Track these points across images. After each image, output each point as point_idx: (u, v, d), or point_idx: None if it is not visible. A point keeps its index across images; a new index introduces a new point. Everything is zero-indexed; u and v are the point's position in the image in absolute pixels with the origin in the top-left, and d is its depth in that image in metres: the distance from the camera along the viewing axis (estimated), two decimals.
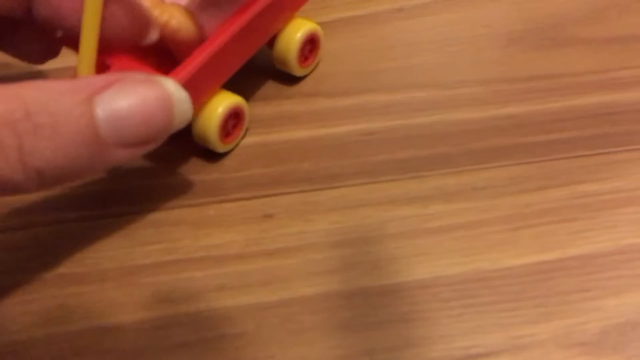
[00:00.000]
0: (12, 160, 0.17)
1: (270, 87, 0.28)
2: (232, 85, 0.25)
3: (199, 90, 0.23)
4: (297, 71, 0.28)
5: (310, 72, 0.28)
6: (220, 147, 0.25)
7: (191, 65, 0.23)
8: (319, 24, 0.29)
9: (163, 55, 0.24)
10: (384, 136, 0.26)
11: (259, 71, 0.28)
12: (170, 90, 0.19)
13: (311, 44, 0.28)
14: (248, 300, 0.22)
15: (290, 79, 0.28)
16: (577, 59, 0.28)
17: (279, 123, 0.27)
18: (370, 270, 0.23)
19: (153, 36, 0.22)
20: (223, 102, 0.25)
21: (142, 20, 0.22)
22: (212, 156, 0.26)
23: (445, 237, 0.23)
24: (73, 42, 0.21)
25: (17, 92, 0.17)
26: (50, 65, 0.24)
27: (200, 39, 0.24)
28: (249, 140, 0.26)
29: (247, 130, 0.26)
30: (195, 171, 0.25)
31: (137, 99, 0.18)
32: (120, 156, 0.18)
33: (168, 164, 0.26)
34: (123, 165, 0.19)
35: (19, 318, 0.22)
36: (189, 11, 0.24)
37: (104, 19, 0.20)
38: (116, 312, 0.22)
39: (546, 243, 0.23)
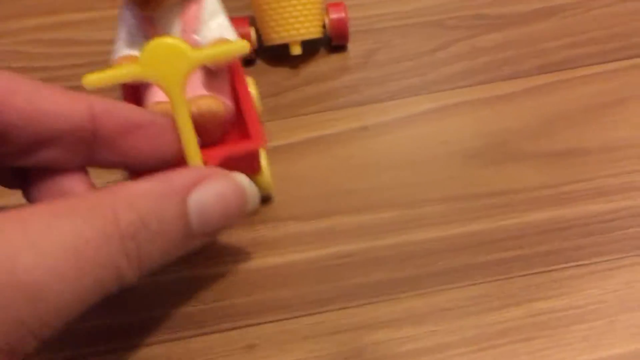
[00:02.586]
0: (134, 266, 0.19)
1: None
2: None
3: None
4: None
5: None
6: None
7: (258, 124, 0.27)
8: (288, 145, 0.31)
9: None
10: (357, 259, 0.28)
11: None
12: (244, 185, 0.22)
13: None
14: None
15: (263, 203, 0.30)
16: (530, 174, 0.31)
17: (255, 249, 0.29)
18: None
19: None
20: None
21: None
22: (192, 287, 0.27)
23: None
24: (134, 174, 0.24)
25: (132, 202, 0.19)
26: None
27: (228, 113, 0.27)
28: (227, 268, 0.28)
29: (224, 257, 0.28)
30: (177, 303, 0.27)
31: (220, 194, 0.21)
32: (198, 244, 0.21)
33: (148, 298, 0.27)
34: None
35: None
36: (210, 94, 0.26)
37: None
38: None
39: None
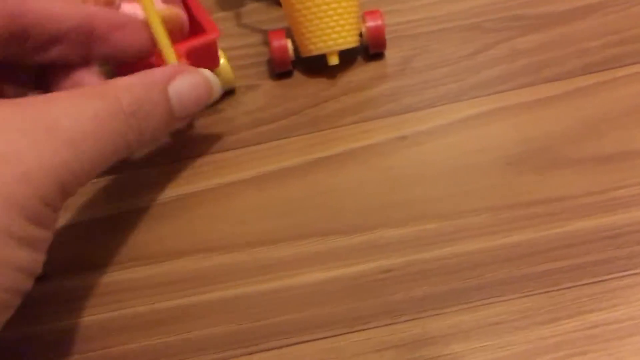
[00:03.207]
0: (137, 138, 0.25)
1: (286, 228, 0.30)
2: (254, 229, 0.27)
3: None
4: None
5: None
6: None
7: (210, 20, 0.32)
8: (327, 157, 0.31)
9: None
10: (400, 273, 0.28)
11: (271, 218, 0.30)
12: (209, 77, 0.28)
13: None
14: None
15: (305, 219, 0.30)
16: (574, 180, 0.30)
17: (298, 265, 0.29)
18: None
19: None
20: None
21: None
22: (237, 305, 0.27)
23: None
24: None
25: (128, 89, 0.24)
26: None
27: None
28: (269, 285, 0.28)
29: (267, 275, 0.28)
30: (223, 322, 0.27)
31: (192, 84, 0.27)
32: (179, 125, 0.28)
33: (192, 318, 0.27)
34: None
35: None
36: (167, 6, 0.31)
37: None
38: None
39: None
